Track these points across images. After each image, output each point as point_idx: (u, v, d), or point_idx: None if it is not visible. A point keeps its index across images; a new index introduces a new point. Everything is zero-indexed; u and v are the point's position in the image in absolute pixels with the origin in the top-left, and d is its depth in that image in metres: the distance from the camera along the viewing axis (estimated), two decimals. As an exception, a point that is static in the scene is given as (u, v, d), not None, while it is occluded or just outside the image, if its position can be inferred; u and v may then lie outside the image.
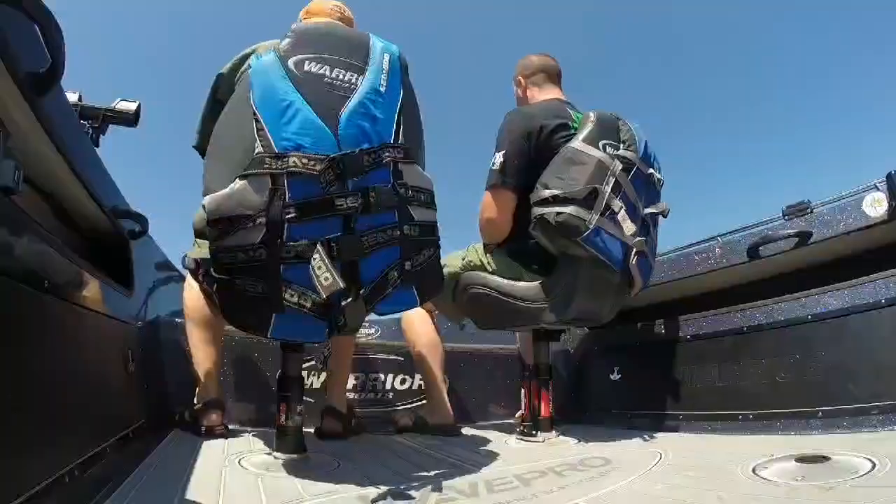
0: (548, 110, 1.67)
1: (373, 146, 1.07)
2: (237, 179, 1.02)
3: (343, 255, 1.03)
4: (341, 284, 0.98)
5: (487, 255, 1.71)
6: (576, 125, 1.63)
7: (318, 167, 1.02)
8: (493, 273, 1.68)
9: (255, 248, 1.01)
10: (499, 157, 1.61)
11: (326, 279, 0.98)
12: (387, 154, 1.09)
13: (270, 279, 1.02)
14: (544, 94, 1.81)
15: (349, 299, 1.03)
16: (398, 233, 1.09)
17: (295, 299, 1.03)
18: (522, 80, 1.85)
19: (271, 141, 1.02)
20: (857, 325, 1.45)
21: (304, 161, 1.02)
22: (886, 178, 1.53)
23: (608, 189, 1.49)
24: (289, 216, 1.01)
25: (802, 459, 1.06)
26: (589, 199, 1.48)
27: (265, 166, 1.01)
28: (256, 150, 1.02)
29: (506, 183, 1.60)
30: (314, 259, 0.99)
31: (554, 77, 1.84)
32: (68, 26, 0.86)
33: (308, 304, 1.03)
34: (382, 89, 1.11)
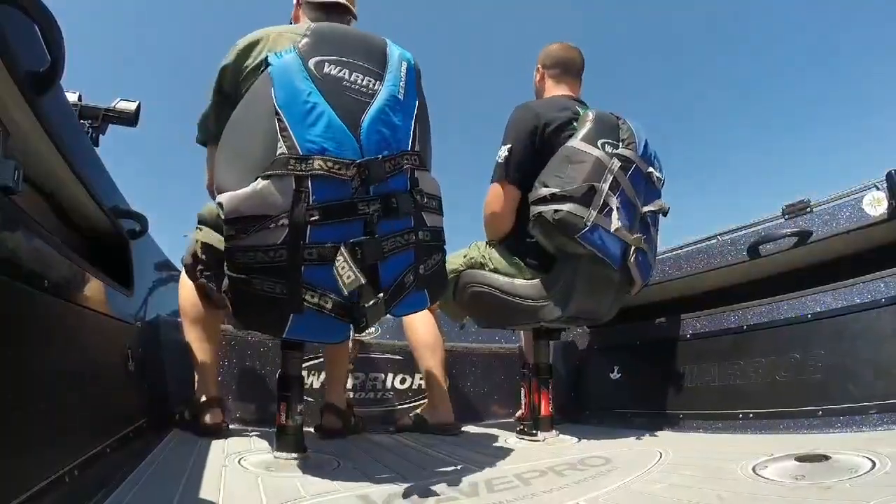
0: (555, 107, 1.67)
1: (392, 153, 1.09)
2: (259, 179, 1.01)
3: (366, 258, 1.04)
4: (363, 280, 0.99)
5: (490, 249, 1.71)
6: None
7: (346, 172, 1.03)
8: (493, 271, 1.68)
9: (276, 248, 1.01)
10: (504, 152, 1.63)
11: (349, 277, 0.98)
12: (405, 161, 1.11)
13: (291, 280, 1.02)
14: (557, 89, 1.81)
15: (372, 302, 1.03)
16: (414, 238, 1.12)
17: (315, 300, 1.03)
18: (541, 69, 1.86)
19: (295, 142, 1.02)
20: (857, 325, 1.45)
21: (330, 164, 1.02)
22: (886, 177, 1.53)
23: (606, 187, 1.50)
24: (312, 218, 1.01)
25: (802, 458, 1.06)
26: (587, 197, 1.48)
27: (289, 168, 1.01)
28: (279, 151, 1.02)
29: (510, 177, 1.62)
30: (338, 261, 1.00)
31: (572, 71, 1.83)
32: (68, 26, 0.86)
33: (328, 306, 1.04)
34: (401, 97, 1.13)
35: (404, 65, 1.16)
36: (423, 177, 1.15)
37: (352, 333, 1.10)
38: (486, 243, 1.75)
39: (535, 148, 1.61)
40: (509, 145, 1.62)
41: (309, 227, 1.01)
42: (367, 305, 1.03)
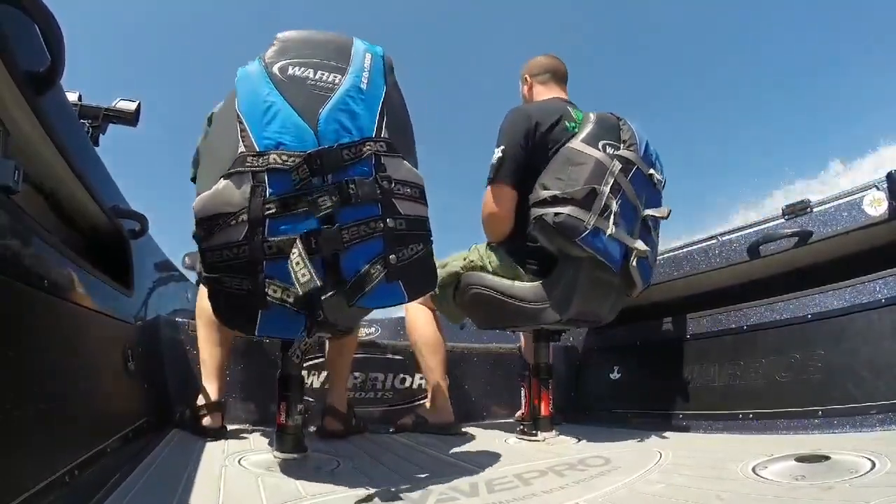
0: (547, 109, 1.68)
1: (353, 140, 1.07)
2: (221, 179, 1.03)
3: (323, 249, 1.02)
4: (318, 282, 0.97)
5: (490, 252, 1.71)
6: (575, 124, 1.64)
7: (295, 162, 1.03)
8: (493, 273, 1.68)
9: (239, 245, 1.02)
10: (498, 153, 1.63)
11: (304, 275, 0.97)
12: (367, 148, 1.08)
13: (254, 276, 1.03)
14: (548, 92, 1.84)
15: (328, 294, 1.03)
16: (381, 226, 1.08)
17: (278, 295, 1.02)
18: (528, 79, 1.89)
19: (253, 140, 1.04)
20: (857, 325, 1.45)
21: (284, 158, 1.03)
22: (886, 177, 1.53)
23: (607, 189, 1.49)
24: (269, 212, 1.02)
25: (802, 459, 1.06)
26: (587, 200, 1.47)
27: (246, 164, 1.03)
28: (239, 151, 1.04)
29: (505, 178, 1.62)
30: (293, 254, 0.99)
31: (559, 78, 1.87)
32: (68, 26, 0.86)
33: (290, 300, 1.02)
34: (363, 86, 1.11)
35: (369, 56, 1.15)
36: (392, 163, 1.11)
37: (318, 328, 1.07)
38: (486, 245, 1.74)
39: (528, 149, 1.61)
40: (502, 147, 1.63)
41: (267, 220, 1.02)
42: (323, 298, 1.02)
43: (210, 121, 1.29)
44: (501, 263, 1.68)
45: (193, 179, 1.37)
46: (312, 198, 1.03)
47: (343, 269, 1.04)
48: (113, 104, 1.62)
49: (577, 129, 1.61)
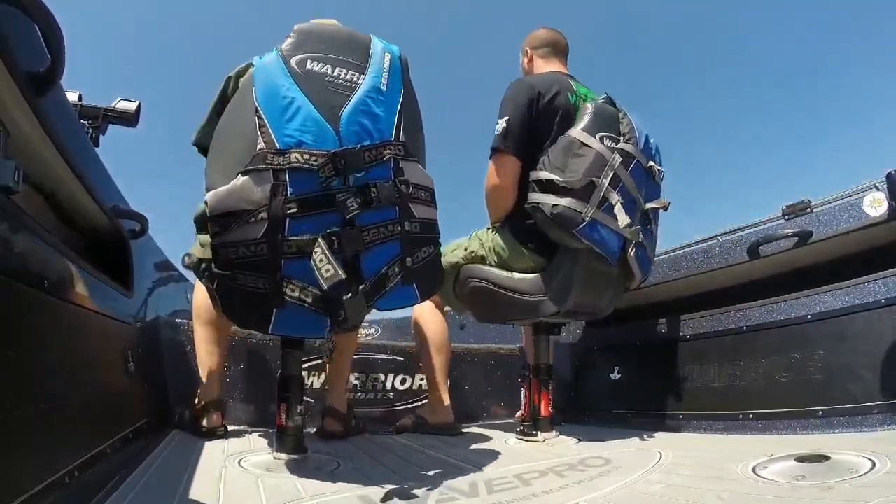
0: (550, 80, 1.70)
1: (374, 143, 1.08)
2: (239, 175, 1.02)
3: (345, 249, 1.03)
4: (342, 275, 0.98)
5: (493, 234, 1.71)
6: (576, 97, 1.67)
7: (318, 162, 1.02)
8: (496, 258, 1.68)
9: (257, 243, 1.02)
10: (502, 123, 1.64)
11: (328, 270, 0.98)
12: (388, 151, 1.09)
13: (272, 274, 1.02)
14: (548, 66, 1.85)
15: (349, 294, 1.03)
16: (399, 229, 1.09)
17: (296, 294, 1.03)
18: (529, 51, 1.90)
19: (273, 137, 1.03)
20: (857, 325, 1.45)
21: (306, 157, 1.02)
22: (886, 177, 1.53)
23: (606, 182, 1.50)
24: (290, 211, 1.01)
25: (802, 459, 1.06)
26: (585, 192, 1.49)
27: (267, 162, 1.02)
28: (259, 147, 1.03)
29: (508, 147, 1.62)
30: (315, 252, 0.99)
31: (560, 52, 1.89)
32: (68, 26, 0.86)
33: (309, 299, 1.03)
34: (383, 88, 1.12)
35: (388, 56, 1.15)
36: (409, 167, 1.13)
37: (337, 327, 1.08)
38: (488, 228, 1.74)
39: (532, 119, 1.63)
40: (507, 117, 1.63)
41: (287, 219, 1.01)
42: (345, 298, 1.02)
43: (226, 84, 1.26)
44: (505, 245, 1.67)
45: (195, 144, 1.34)
46: (335, 199, 1.03)
47: (363, 269, 1.06)
48: (113, 104, 1.61)
49: (577, 102, 1.64)
